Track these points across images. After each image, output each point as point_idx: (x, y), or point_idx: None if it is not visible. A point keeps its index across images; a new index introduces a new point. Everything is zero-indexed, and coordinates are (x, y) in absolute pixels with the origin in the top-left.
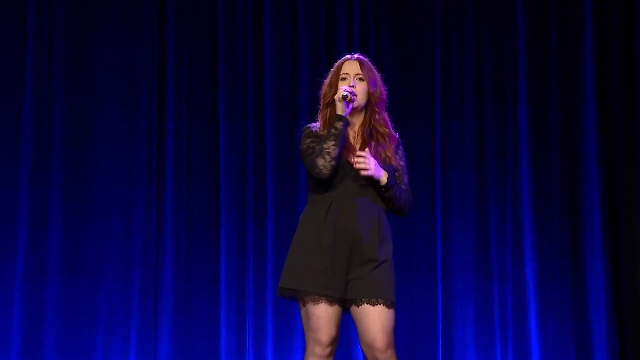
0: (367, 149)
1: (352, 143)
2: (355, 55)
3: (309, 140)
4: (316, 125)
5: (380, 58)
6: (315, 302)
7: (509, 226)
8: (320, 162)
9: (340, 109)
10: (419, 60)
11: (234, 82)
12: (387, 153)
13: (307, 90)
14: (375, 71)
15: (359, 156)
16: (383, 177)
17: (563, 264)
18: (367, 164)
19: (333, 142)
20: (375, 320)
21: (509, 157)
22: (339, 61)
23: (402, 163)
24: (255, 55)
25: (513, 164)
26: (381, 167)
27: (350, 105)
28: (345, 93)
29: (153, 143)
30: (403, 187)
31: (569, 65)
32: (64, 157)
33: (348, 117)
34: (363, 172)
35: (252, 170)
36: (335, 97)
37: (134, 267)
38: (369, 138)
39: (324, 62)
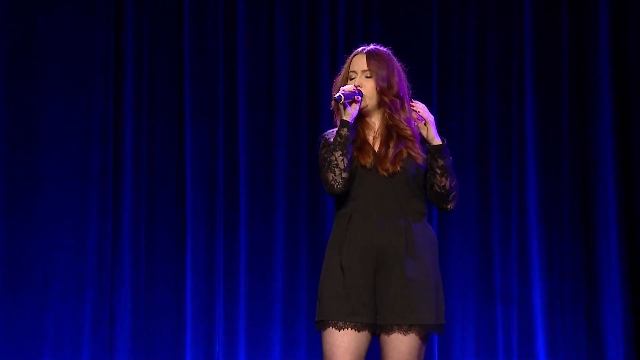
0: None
1: (371, 144)
2: (366, 48)
3: (323, 151)
4: (332, 132)
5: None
6: (339, 328)
7: (514, 241)
8: (330, 176)
9: (342, 112)
10: (413, 50)
11: (203, 76)
12: (412, 151)
13: (285, 84)
14: (388, 63)
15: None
16: (439, 137)
17: (575, 285)
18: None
19: (340, 152)
20: (401, 351)
21: (514, 162)
22: (349, 56)
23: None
24: (227, 44)
25: (519, 170)
26: (401, 165)
27: (357, 107)
28: (338, 94)
29: (109, 144)
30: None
31: (582, 57)
32: (5, 159)
33: (367, 117)
34: (421, 113)
35: (223, 176)
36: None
37: (86, 287)
38: (387, 137)
39: (305, 53)
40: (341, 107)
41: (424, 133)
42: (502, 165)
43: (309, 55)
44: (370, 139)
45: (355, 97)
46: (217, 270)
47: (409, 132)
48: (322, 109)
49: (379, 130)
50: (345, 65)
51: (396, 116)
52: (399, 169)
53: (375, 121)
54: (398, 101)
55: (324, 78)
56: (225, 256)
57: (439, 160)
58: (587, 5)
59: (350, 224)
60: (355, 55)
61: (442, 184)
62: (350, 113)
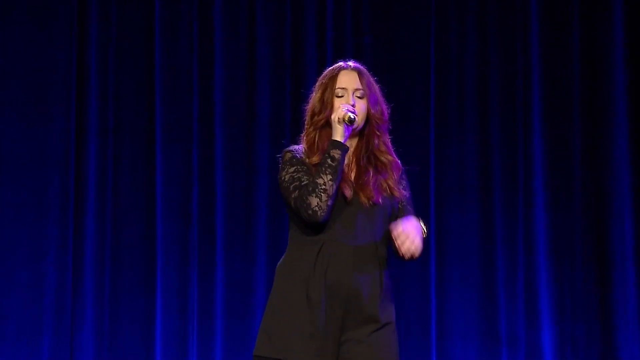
0: (395, 227)
1: (346, 171)
2: (352, 64)
3: (292, 170)
4: (299, 149)
5: (361, 58)
6: None
7: (521, 278)
8: (315, 201)
9: (340, 133)
10: (407, 66)
11: (175, 92)
12: (389, 182)
13: (268, 102)
14: (375, 85)
15: (398, 236)
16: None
17: (588, 328)
18: (411, 240)
19: (330, 177)
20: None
21: (520, 192)
22: (331, 70)
23: (406, 194)
24: (202, 57)
25: (525, 200)
26: (381, 198)
27: (351, 129)
28: (351, 115)
29: (70, 168)
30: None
31: (596, 75)
32: None
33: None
34: (413, 252)
35: (198, 205)
36: (333, 117)
37: (42, 332)
38: (367, 164)
39: (289, 68)
40: (340, 126)
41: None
42: (506, 194)
43: (293, 71)
44: (345, 167)
45: (355, 117)
46: (190, 311)
47: (390, 158)
48: None
49: (353, 156)
50: (327, 81)
51: (383, 140)
52: (380, 200)
53: (351, 146)
54: (385, 125)
55: (309, 95)
56: (200, 295)
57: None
58: (601, 17)
59: (321, 254)
60: (341, 70)
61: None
62: (345, 134)
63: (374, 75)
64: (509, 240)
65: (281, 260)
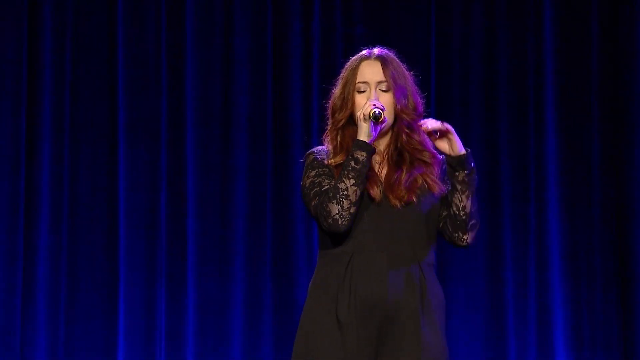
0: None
1: (376, 170)
2: (376, 52)
3: (313, 173)
4: (323, 150)
5: (352, 51)
6: None
7: (533, 301)
8: (335, 208)
9: (365, 132)
10: (405, 61)
11: (141, 87)
12: (428, 179)
13: (246, 99)
14: (404, 73)
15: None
16: (462, 147)
17: (609, 356)
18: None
19: (354, 181)
20: None
21: (531, 203)
22: (353, 61)
23: (448, 186)
24: (173, 48)
25: (537, 213)
26: (416, 196)
27: (379, 127)
28: (377, 110)
29: (20, 175)
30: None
31: (617, 71)
32: None
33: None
34: (433, 127)
35: (166, 216)
36: (358, 115)
37: None
38: (399, 162)
39: (271, 61)
40: (365, 124)
41: (444, 148)
42: (516, 206)
43: (275, 64)
44: (376, 165)
45: (384, 115)
46: (157, 335)
47: (427, 154)
48: (292, 130)
49: (385, 155)
50: (347, 74)
51: (415, 138)
52: (414, 199)
53: (381, 142)
54: (417, 120)
55: (294, 91)
56: (168, 317)
57: (460, 172)
58: (623, 7)
59: (350, 268)
60: (363, 60)
61: (463, 203)
62: (371, 134)
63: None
64: (519, 257)
65: (313, 277)
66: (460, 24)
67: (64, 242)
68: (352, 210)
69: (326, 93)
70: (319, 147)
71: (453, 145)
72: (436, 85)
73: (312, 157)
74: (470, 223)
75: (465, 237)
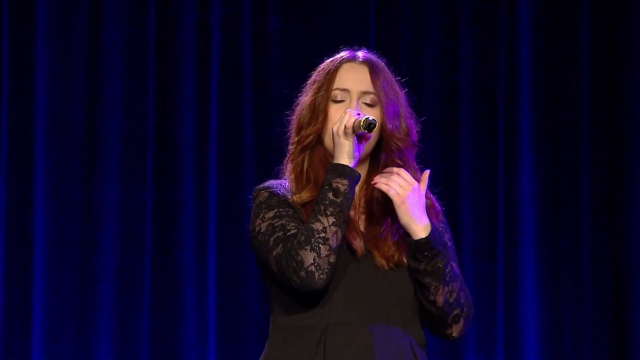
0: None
1: (352, 216)
2: (361, 55)
3: (271, 214)
4: (282, 185)
5: (265, 51)
6: None
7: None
8: (310, 257)
9: (348, 151)
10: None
11: (57, 85)
12: None
13: (119, 113)
14: (398, 88)
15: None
16: (423, 224)
17: None
18: (395, 180)
19: (333, 219)
20: None
21: (500, 242)
22: (331, 62)
23: (448, 242)
24: (15, 45)
25: (506, 258)
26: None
27: (362, 146)
28: (370, 117)
29: None
30: (457, 270)
31: (614, 80)
32: None
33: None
34: (387, 188)
35: (4, 276)
36: (335, 129)
37: None
38: (383, 209)
39: (152, 64)
40: (349, 141)
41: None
42: (480, 252)
43: (158, 68)
44: (351, 210)
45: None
46: None
47: (426, 200)
48: (181, 157)
49: (362, 195)
50: (322, 77)
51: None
52: (404, 260)
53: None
54: (411, 150)
55: (183, 104)
56: None
57: (421, 260)
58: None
59: (323, 348)
60: (345, 62)
61: (432, 298)
62: (354, 155)
63: (263, 66)
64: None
65: (263, 355)
66: (408, 21)
67: None
68: (332, 259)
69: (227, 107)
70: (274, 181)
71: (404, 219)
72: None
73: (265, 193)
74: (452, 316)
75: (449, 331)
